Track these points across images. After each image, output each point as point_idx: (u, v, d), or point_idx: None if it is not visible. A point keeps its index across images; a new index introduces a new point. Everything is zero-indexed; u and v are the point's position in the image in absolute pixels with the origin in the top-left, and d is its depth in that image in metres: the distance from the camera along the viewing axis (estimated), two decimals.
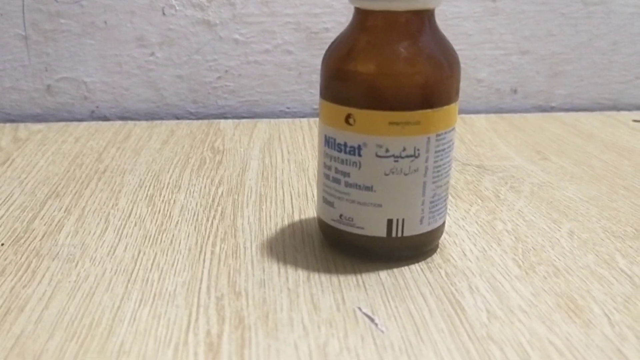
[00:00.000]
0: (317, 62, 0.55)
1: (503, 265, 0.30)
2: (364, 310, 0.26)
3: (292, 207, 0.36)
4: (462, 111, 0.58)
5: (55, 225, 0.33)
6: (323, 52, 0.54)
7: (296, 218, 0.35)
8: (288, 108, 0.56)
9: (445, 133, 0.28)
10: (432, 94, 0.27)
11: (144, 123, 0.53)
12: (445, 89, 0.27)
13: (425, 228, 0.29)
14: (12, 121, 0.54)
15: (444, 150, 0.28)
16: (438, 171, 0.28)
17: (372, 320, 0.25)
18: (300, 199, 0.37)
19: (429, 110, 0.27)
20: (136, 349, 0.23)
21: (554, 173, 0.43)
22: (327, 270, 0.29)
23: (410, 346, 0.23)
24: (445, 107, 0.27)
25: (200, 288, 0.27)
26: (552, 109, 0.59)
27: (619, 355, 0.23)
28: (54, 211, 0.35)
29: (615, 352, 0.23)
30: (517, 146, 0.48)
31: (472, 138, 0.50)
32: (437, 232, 0.30)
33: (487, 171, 0.43)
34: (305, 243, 0.31)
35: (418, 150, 0.27)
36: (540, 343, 0.24)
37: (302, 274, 0.28)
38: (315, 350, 0.23)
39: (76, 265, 0.29)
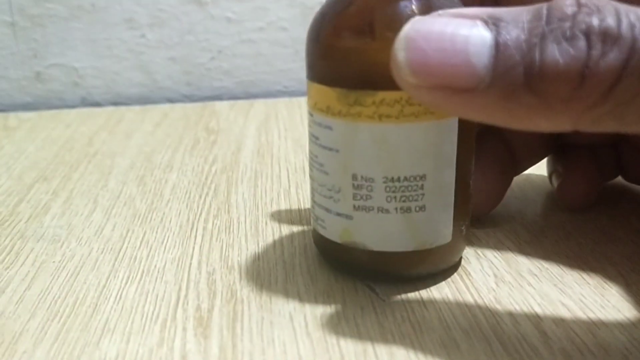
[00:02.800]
0: None
1: (512, 230, 0.28)
2: (364, 280, 0.24)
3: (289, 181, 0.35)
4: None
5: (42, 208, 0.32)
6: None
7: (293, 192, 0.33)
8: (285, 87, 0.54)
9: None
10: None
11: (136, 108, 0.51)
12: None
13: None
14: (2, 111, 0.52)
15: None
16: None
17: (372, 289, 0.23)
18: (297, 174, 0.36)
19: None
20: (121, 326, 0.22)
21: None
22: None
23: (413, 314, 0.22)
24: None
25: (190, 264, 0.26)
26: None
27: (636, 314, 0.21)
28: (41, 194, 0.34)
29: (632, 312, 0.22)
30: None
31: None
32: None
33: None
34: (302, 216, 0.30)
35: None
36: (552, 306, 0.22)
37: (298, 246, 0.27)
38: (311, 320, 0.22)
39: (61, 246, 0.28)
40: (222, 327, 0.21)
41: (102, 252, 0.27)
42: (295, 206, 0.31)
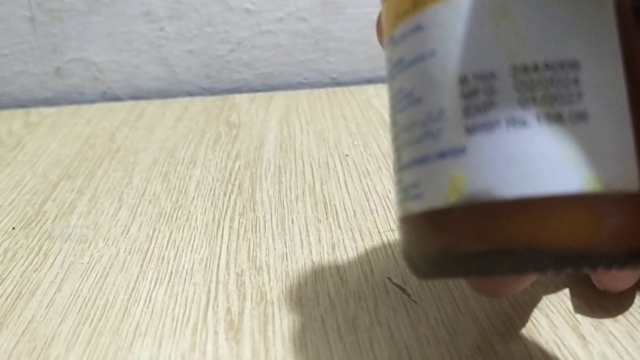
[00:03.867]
0: (334, 29, 0.52)
1: None
2: (395, 280, 0.24)
3: (313, 178, 0.34)
4: None
5: (67, 207, 0.32)
6: (339, 17, 0.52)
7: (317, 189, 0.33)
8: (305, 79, 0.54)
9: None
10: None
11: (156, 102, 0.51)
12: None
13: None
14: (23, 106, 0.52)
15: None
16: None
17: (404, 291, 0.23)
18: (321, 169, 0.35)
19: None
20: (153, 330, 0.22)
21: None
22: (353, 240, 0.27)
23: (447, 316, 0.21)
24: None
25: (219, 264, 0.26)
26: None
27: None
28: (65, 193, 0.34)
29: None
30: None
31: None
32: None
33: None
34: (328, 213, 0.30)
35: None
36: (591, 309, 0.22)
37: (326, 245, 0.27)
38: (343, 324, 0.21)
39: (89, 246, 0.28)
40: (254, 331, 0.21)
41: (129, 252, 0.27)
42: (320, 204, 0.31)
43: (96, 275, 0.25)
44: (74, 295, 0.24)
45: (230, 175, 0.35)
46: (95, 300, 0.24)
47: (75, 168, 0.37)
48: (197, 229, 0.29)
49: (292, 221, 0.29)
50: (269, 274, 0.25)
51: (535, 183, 0.13)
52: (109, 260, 0.26)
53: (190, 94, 0.54)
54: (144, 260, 0.26)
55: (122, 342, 0.21)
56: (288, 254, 0.26)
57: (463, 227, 0.14)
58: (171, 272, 0.25)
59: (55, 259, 0.27)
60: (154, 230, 0.29)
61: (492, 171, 0.14)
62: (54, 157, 0.39)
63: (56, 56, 0.52)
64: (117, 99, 0.53)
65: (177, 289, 0.24)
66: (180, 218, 0.30)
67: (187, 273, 0.25)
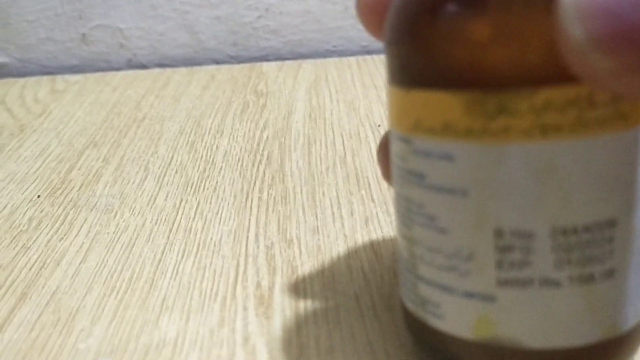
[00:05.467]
0: None
1: None
2: None
3: (344, 148, 0.33)
4: None
5: (93, 176, 0.31)
6: None
7: (349, 160, 0.31)
8: (334, 46, 0.52)
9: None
10: None
11: (182, 69, 0.50)
12: None
13: None
14: (50, 73, 0.52)
15: None
16: None
17: None
18: (352, 140, 0.34)
19: None
20: (180, 303, 0.21)
21: None
22: (387, 214, 0.26)
23: None
24: None
25: (247, 237, 0.25)
26: None
27: None
28: (91, 161, 0.33)
29: None
30: None
31: None
32: None
33: None
34: (360, 186, 0.29)
35: None
36: None
37: (359, 219, 0.26)
38: (379, 301, 0.20)
39: (115, 216, 0.27)
40: (285, 307, 0.20)
41: (156, 223, 0.26)
42: (352, 176, 0.30)
43: (122, 246, 0.25)
44: (100, 266, 0.23)
45: (258, 145, 0.34)
46: (121, 271, 0.23)
47: (101, 136, 0.37)
48: (225, 200, 0.28)
49: (323, 193, 0.28)
50: (299, 247, 0.24)
51: (560, 337, 0.14)
52: (135, 230, 0.26)
53: (216, 62, 0.53)
54: (170, 231, 0.26)
55: (148, 316, 0.20)
56: (319, 227, 0.25)
57: (481, 356, 0.15)
58: (199, 244, 0.24)
59: (81, 228, 0.26)
60: (181, 201, 0.28)
61: (521, 323, 0.14)
62: (80, 125, 0.39)
63: (81, 22, 0.51)
64: (143, 66, 0.52)
65: (204, 261, 0.23)
66: (207, 189, 0.29)
67: (215, 245, 0.24)
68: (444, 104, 0.14)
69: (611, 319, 0.14)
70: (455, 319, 0.15)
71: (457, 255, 0.15)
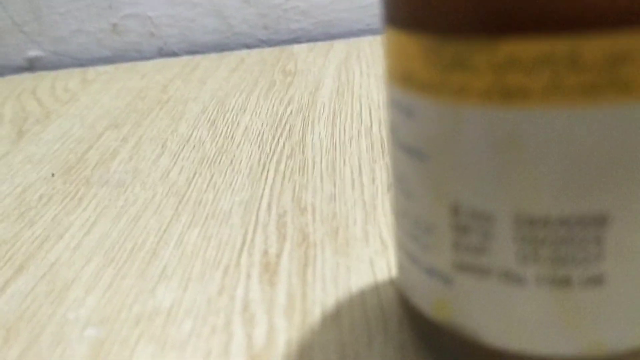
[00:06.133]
0: None
1: None
2: None
3: (371, 119, 0.31)
4: None
5: (110, 154, 0.30)
6: None
7: (375, 130, 0.29)
8: (367, 25, 0.50)
9: None
10: None
11: (212, 55, 0.49)
12: None
13: None
14: (82, 65, 0.52)
15: None
16: None
17: None
18: (380, 111, 0.32)
19: None
20: (180, 272, 0.19)
21: None
22: None
23: None
24: None
25: (259, 206, 0.23)
26: None
27: None
28: (110, 141, 0.32)
29: None
30: None
31: None
32: None
33: None
34: (384, 154, 0.26)
35: None
36: None
37: (380, 185, 0.23)
38: (395, 267, 0.18)
39: (125, 191, 0.26)
40: (291, 274, 0.18)
41: (166, 195, 0.25)
42: (377, 144, 0.28)
43: (128, 219, 0.23)
44: (103, 239, 0.22)
45: (280, 119, 0.32)
46: (124, 242, 0.21)
47: (123, 118, 0.36)
48: (240, 172, 0.26)
49: (344, 162, 0.26)
50: (313, 214, 0.22)
51: (526, 341, 0.12)
52: (143, 203, 0.24)
53: (247, 46, 0.51)
54: (180, 202, 0.24)
55: (145, 285, 0.19)
56: (337, 195, 0.23)
57: (443, 344, 0.13)
58: (207, 215, 0.23)
59: (90, 203, 0.25)
60: (195, 174, 0.27)
61: (479, 315, 0.12)
62: (104, 109, 0.38)
63: (111, 12, 0.51)
64: (174, 54, 0.52)
65: (211, 231, 0.22)
66: (224, 162, 0.28)
67: (224, 215, 0.23)
68: (407, 49, 0.11)
69: (596, 334, 0.11)
70: (420, 294, 0.13)
71: (418, 224, 0.13)
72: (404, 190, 0.13)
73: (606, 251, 0.11)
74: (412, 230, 0.13)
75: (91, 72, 0.49)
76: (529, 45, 0.10)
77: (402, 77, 0.12)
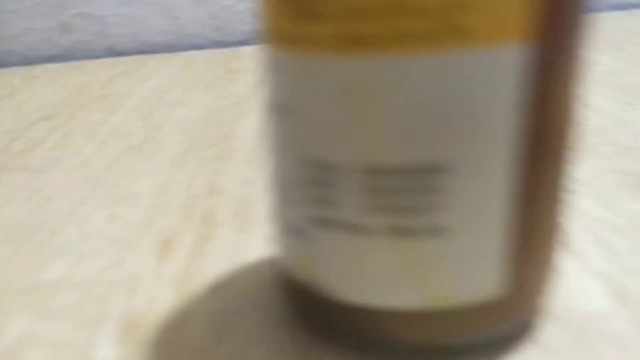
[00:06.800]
0: None
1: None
2: None
3: None
4: None
5: (36, 143, 0.30)
6: None
7: None
8: None
9: None
10: None
11: (161, 55, 0.49)
12: None
13: None
14: (30, 63, 0.51)
15: None
16: None
17: None
18: None
19: None
20: (76, 250, 0.19)
21: (628, 60, 0.35)
22: None
23: None
24: None
25: (173, 189, 0.23)
26: (628, 7, 0.51)
27: None
28: (39, 132, 0.32)
29: None
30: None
31: None
32: None
33: None
34: None
35: None
36: (592, 224, 0.17)
37: None
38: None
39: (43, 176, 0.25)
40: (188, 250, 0.18)
41: (82, 180, 0.24)
42: None
43: (39, 201, 0.23)
44: (8, 218, 0.21)
45: (215, 112, 0.32)
46: (28, 222, 0.21)
47: (59, 110, 0.35)
48: (161, 159, 0.26)
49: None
50: (225, 196, 0.22)
51: (373, 294, 0.12)
52: (57, 187, 0.24)
53: (198, 47, 0.51)
54: (94, 187, 0.24)
55: (38, 262, 0.18)
56: (252, 179, 0.23)
57: (309, 306, 0.13)
58: (119, 197, 0.22)
59: (5, 186, 0.24)
60: (115, 161, 0.26)
61: (334, 271, 0.12)
62: (41, 103, 0.38)
63: (62, 11, 0.50)
64: (124, 53, 0.51)
65: (118, 211, 0.21)
66: (147, 150, 0.27)
67: (135, 197, 0.22)
68: (268, 5, 0.11)
69: (438, 286, 0.11)
70: (289, 256, 0.13)
71: (284, 184, 0.12)
72: (273, 151, 0.13)
73: (446, 201, 0.11)
74: (280, 191, 0.13)
75: (37, 69, 0.48)
76: None
77: (268, 36, 0.12)
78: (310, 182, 0.12)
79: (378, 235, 0.11)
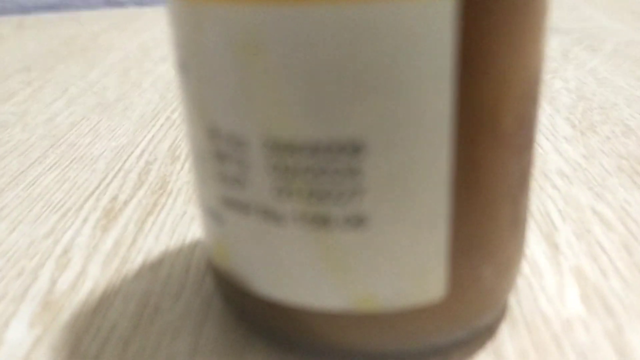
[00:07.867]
0: None
1: (549, 125, 0.21)
2: None
3: None
4: None
5: (9, 96, 0.28)
6: None
7: None
8: None
9: None
10: None
11: (159, 9, 0.47)
12: None
13: None
14: (25, 12, 0.50)
15: None
16: None
17: None
18: None
19: None
20: (15, 215, 0.17)
21: None
22: None
23: None
24: None
25: (133, 152, 0.21)
26: None
27: None
28: (14, 83, 0.30)
29: None
30: (606, 7, 0.38)
31: None
32: None
33: (559, 33, 0.33)
34: None
35: None
36: (579, 213, 0.16)
37: None
38: None
39: (4, 131, 0.24)
40: (131, 221, 0.17)
41: (42, 138, 0.23)
42: None
43: None
44: None
45: None
46: None
47: (38, 63, 0.34)
48: (129, 119, 0.24)
49: None
50: (183, 163, 0.20)
51: (291, 291, 0.10)
52: (15, 144, 0.23)
53: None
54: (52, 146, 0.22)
55: None
56: None
57: (229, 295, 0.11)
58: (75, 158, 0.21)
59: None
60: (82, 119, 0.25)
61: (247, 260, 0.10)
62: (24, 53, 0.36)
63: None
64: (120, 4, 0.49)
65: (70, 174, 0.20)
66: (118, 108, 0.26)
67: (91, 160, 0.21)
68: None
69: (362, 285, 0.10)
70: (205, 235, 0.12)
71: (194, 153, 0.11)
72: (184, 118, 0.11)
73: (364, 186, 0.09)
74: (194, 165, 0.11)
75: (30, 19, 0.46)
76: None
77: None
78: (217, 156, 0.10)
79: (292, 223, 0.09)
